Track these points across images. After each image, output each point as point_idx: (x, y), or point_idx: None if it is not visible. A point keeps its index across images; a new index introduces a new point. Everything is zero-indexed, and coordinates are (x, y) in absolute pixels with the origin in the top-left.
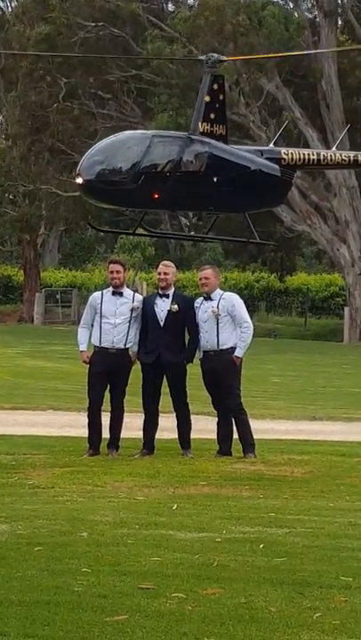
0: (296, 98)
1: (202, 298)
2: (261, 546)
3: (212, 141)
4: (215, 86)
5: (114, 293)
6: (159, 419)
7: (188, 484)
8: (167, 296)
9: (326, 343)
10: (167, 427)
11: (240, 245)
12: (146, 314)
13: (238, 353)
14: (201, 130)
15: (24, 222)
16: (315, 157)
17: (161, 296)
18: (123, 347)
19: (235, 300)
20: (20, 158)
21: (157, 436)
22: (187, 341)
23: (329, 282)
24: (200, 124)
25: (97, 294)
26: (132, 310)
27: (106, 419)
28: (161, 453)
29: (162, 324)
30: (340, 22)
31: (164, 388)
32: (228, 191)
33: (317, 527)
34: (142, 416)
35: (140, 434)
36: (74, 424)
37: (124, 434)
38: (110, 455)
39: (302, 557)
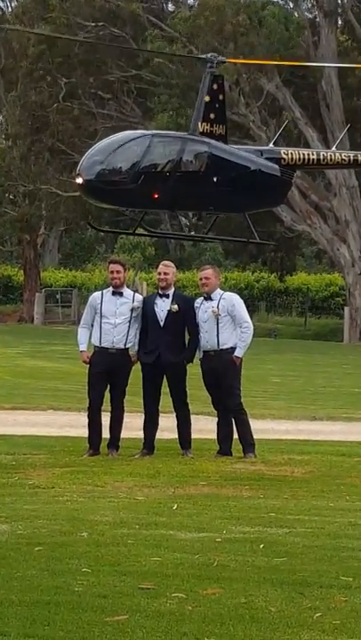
0: (296, 98)
1: (202, 298)
2: (262, 546)
3: (212, 141)
4: (215, 86)
5: (114, 293)
6: (159, 419)
7: (189, 484)
8: (167, 296)
9: (326, 343)
10: (167, 427)
11: (240, 245)
12: (146, 314)
13: (238, 353)
14: (201, 130)
15: (24, 222)
16: (314, 157)
17: (161, 296)
18: (123, 347)
19: (235, 300)
20: (20, 158)
21: (157, 435)
22: (187, 341)
23: (329, 282)
24: (200, 123)
25: (97, 294)
26: (132, 310)
27: (106, 419)
28: (161, 453)
29: (162, 323)
30: (340, 22)
31: (165, 388)
32: (228, 191)
33: (318, 527)
34: (142, 416)
35: (141, 434)
36: (74, 424)
37: (124, 434)
38: (110, 455)
39: (302, 557)
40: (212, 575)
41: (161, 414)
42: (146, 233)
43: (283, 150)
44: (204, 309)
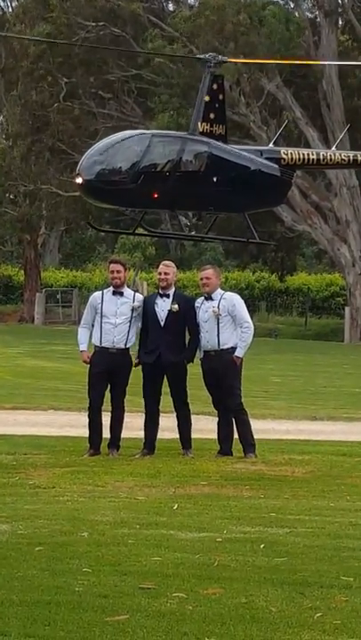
0: (297, 98)
1: (202, 298)
2: (262, 546)
3: (212, 141)
4: (215, 86)
5: (114, 293)
6: (160, 418)
7: (189, 484)
8: (168, 296)
9: (327, 343)
10: (168, 426)
11: (241, 245)
12: (146, 314)
13: (239, 353)
14: (201, 130)
15: (24, 222)
16: (314, 157)
17: (161, 296)
18: (123, 346)
19: (235, 300)
20: (20, 158)
21: (158, 435)
22: (187, 341)
23: (330, 282)
24: (200, 123)
25: (97, 294)
26: (132, 310)
27: (106, 418)
28: (162, 453)
29: (162, 323)
30: (340, 22)
31: (165, 388)
32: (228, 191)
33: (318, 527)
34: (143, 416)
35: (141, 433)
36: (74, 424)
37: (124, 434)
38: (111, 455)
39: (303, 557)
40: (213, 575)
41: (161, 414)
42: (146, 233)
43: (283, 150)
44: (204, 309)
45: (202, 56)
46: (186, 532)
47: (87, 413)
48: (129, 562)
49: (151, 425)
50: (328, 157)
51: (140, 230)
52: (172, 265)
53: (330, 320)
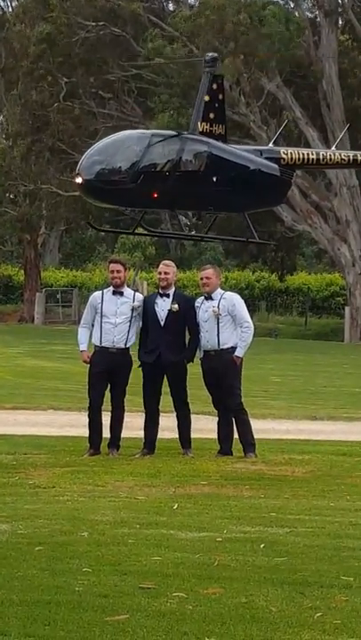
0: (297, 97)
1: (202, 297)
2: (262, 545)
3: (212, 141)
4: (214, 86)
5: (114, 293)
6: (160, 418)
7: (189, 484)
8: (168, 295)
9: (327, 343)
10: (168, 426)
11: (241, 245)
12: (146, 313)
13: (239, 353)
14: (200, 129)
15: (24, 222)
16: (314, 157)
17: (161, 295)
18: (123, 346)
19: (235, 300)
20: (20, 158)
21: (158, 435)
22: (187, 341)
23: (330, 281)
24: (199, 123)
25: (97, 294)
26: (132, 310)
27: (106, 418)
28: (162, 453)
29: (162, 323)
30: (340, 22)
31: (165, 388)
32: (228, 191)
33: (318, 527)
34: (143, 415)
35: (141, 433)
36: (74, 424)
37: (124, 433)
38: (111, 455)
39: (303, 557)
40: (213, 575)
41: (161, 414)
42: (146, 233)
43: (282, 150)
44: (204, 309)
45: (198, 59)
46: (186, 531)
47: (87, 413)
48: (129, 561)
49: (151, 425)
50: (328, 157)
51: (140, 230)
52: (172, 265)
53: (330, 320)
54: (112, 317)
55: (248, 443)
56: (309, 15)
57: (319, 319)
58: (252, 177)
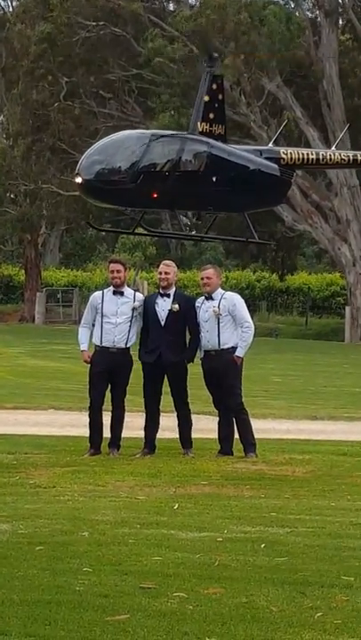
0: (297, 97)
1: (203, 297)
2: (263, 545)
3: (211, 141)
4: (214, 86)
5: (115, 293)
6: (160, 418)
7: (190, 484)
8: (168, 295)
9: (327, 343)
10: (168, 426)
11: (241, 245)
12: (147, 313)
13: (239, 353)
14: (200, 129)
15: (25, 222)
16: (314, 157)
17: (162, 295)
18: (124, 346)
19: (236, 300)
20: (21, 157)
21: (158, 435)
22: (188, 341)
23: (330, 281)
24: (199, 123)
25: (98, 294)
26: (133, 310)
27: (107, 418)
28: (162, 453)
29: (163, 323)
30: (341, 22)
31: (165, 388)
32: (227, 191)
33: (319, 527)
34: (143, 415)
35: (142, 433)
36: (75, 423)
37: (125, 433)
38: (111, 455)
39: (304, 557)
40: (214, 575)
41: (162, 414)
42: (145, 232)
43: (282, 150)
44: (205, 309)
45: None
46: (186, 531)
47: (88, 413)
48: (129, 561)
49: (152, 424)
50: (328, 157)
51: (140, 230)
52: (173, 264)
53: (330, 320)
54: (112, 317)
55: (249, 443)
56: (310, 15)
57: (320, 319)
58: (252, 177)
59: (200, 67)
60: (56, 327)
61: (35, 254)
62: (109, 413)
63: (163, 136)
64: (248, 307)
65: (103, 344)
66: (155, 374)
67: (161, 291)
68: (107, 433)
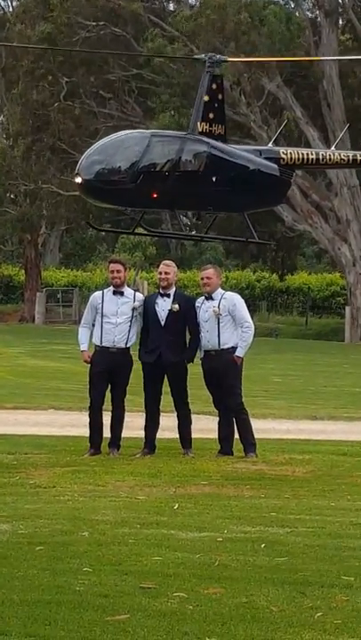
0: (297, 97)
1: (203, 297)
2: (263, 545)
3: (211, 141)
4: (214, 86)
5: (115, 293)
6: (160, 418)
7: (190, 484)
8: (168, 295)
9: (327, 343)
10: (168, 426)
11: (241, 245)
12: (147, 313)
13: (239, 353)
14: (200, 129)
15: (25, 222)
16: (314, 157)
17: (162, 295)
18: (124, 346)
19: (236, 300)
20: (21, 157)
21: (158, 435)
22: (188, 341)
23: (330, 281)
24: (199, 123)
25: (98, 294)
26: (133, 310)
27: (107, 418)
28: (162, 453)
29: (163, 323)
30: (341, 22)
31: (166, 388)
32: (227, 191)
33: (319, 526)
34: (143, 415)
35: (142, 433)
36: (75, 423)
37: (125, 433)
38: (111, 454)
39: (304, 557)
40: (214, 575)
41: (162, 414)
42: (145, 232)
43: (282, 150)
44: (205, 309)
45: (199, 56)
46: (186, 531)
47: (88, 413)
48: (130, 561)
49: (152, 424)
50: (328, 157)
51: (140, 230)
52: (173, 264)
53: (330, 320)
54: (112, 317)
55: (249, 443)
56: (310, 15)
57: (320, 319)
58: (252, 177)
59: (200, 66)
60: (56, 327)
61: (35, 254)
62: (109, 413)
63: (163, 136)
64: (248, 307)
65: (103, 344)
66: (155, 374)
67: (161, 291)
68: (107, 433)
